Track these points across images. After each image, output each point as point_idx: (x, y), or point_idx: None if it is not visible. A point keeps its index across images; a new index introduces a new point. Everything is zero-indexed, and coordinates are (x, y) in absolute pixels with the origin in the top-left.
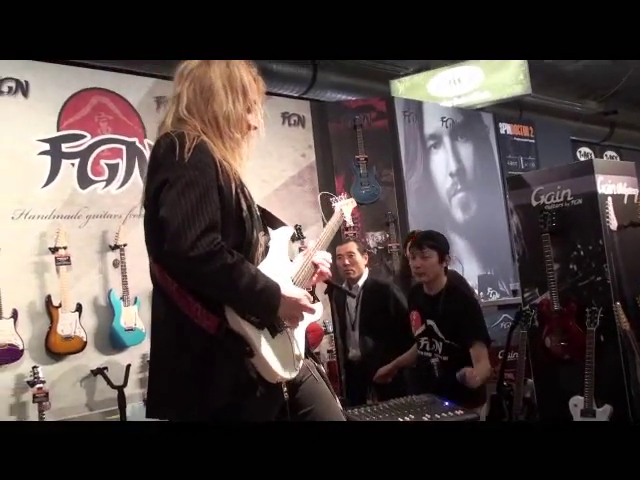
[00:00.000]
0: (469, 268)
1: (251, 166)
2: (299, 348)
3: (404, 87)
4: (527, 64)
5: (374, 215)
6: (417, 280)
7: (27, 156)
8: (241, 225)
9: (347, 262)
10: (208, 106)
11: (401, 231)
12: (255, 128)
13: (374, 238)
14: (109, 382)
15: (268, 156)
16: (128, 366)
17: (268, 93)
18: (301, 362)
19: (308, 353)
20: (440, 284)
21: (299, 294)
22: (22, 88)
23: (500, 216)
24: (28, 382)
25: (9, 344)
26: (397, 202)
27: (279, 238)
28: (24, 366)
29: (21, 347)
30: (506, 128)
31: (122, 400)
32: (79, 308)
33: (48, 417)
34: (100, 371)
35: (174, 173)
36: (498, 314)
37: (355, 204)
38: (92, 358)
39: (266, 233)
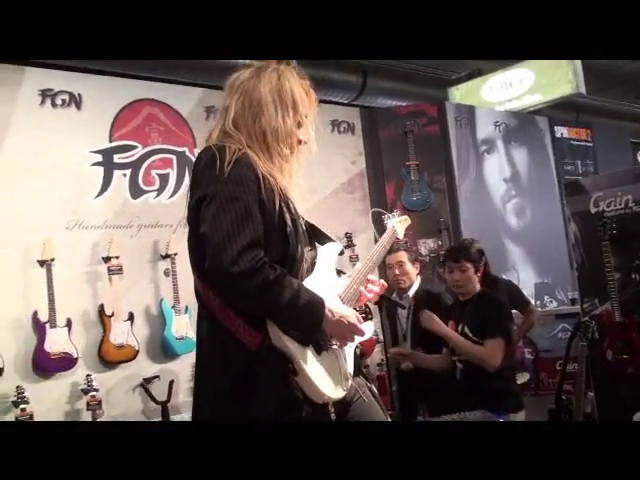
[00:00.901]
0: (525, 276)
1: (299, 174)
2: (348, 367)
3: (460, 94)
4: (578, 63)
5: (426, 222)
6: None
7: (80, 167)
8: (285, 240)
9: (397, 272)
10: (256, 121)
11: (454, 238)
12: (305, 143)
13: (426, 246)
14: (152, 397)
15: (317, 164)
16: (171, 382)
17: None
18: (350, 382)
19: (359, 371)
20: (474, 290)
21: (347, 312)
22: (75, 100)
23: (557, 222)
24: (82, 390)
25: (64, 353)
26: (449, 209)
27: (326, 254)
28: (78, 374)
29: (75, 356)
30: (562, 131)
31: (166, 416)
32: (131, 317)
33: None
34: (143, 386)
35: (213, 188)
36: (556, 323)
37: (409, 222)
38: (144, 366)
39: (313, 248)
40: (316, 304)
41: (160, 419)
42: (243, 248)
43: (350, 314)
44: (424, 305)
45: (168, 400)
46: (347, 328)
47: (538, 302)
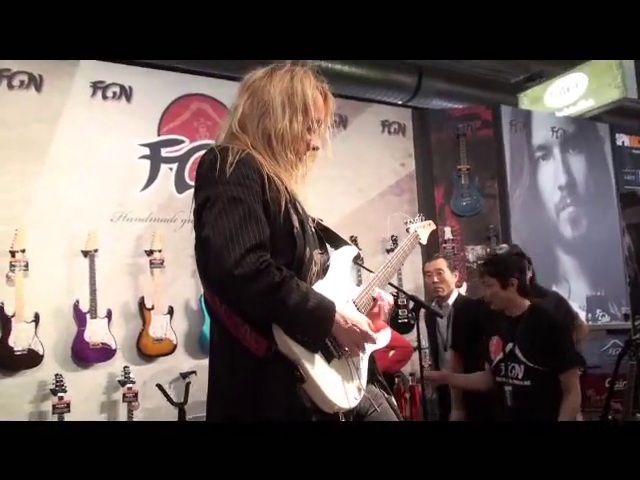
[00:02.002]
0: (577, 288)
1: (347, 174)
2: (361, 376)
3: (528, 100)
4: (628, 68)
5: (475, 228)
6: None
7: (128, 160)
8: (292, 242)
9: (436, 280)
10: (260, 122)
11: None
12: (316, 149)
13: (474, 252)
14: (169, 399)
15: (365, 164)
16: (188, 384)
17: (369, 100)
18: (362, 392)
19: (377, 382)
20: (521, 306)
21: (360, 319)
22: (126, 93)
23: (614, 233)
24: (119, 381)
25: (102, 343)
26: (500, 215)
27: (340, 258)
28: (116, 365)
29: (114, 347)
30: (624, 139)
31: (183, 418)
32: (171, 311)
33: (137, 417)
34: (160, 387)
35: (216, 190)
36: (607, 339)
37: (434, 227)
38: (181, 361)
39: (324, 252)
40: (326, 308)
41: (201, 415)
42: (247, 250)
43: (363, 321)
44: (464, 313)
45: (185, 402)
46: (359, 336)
47: (589, 315)
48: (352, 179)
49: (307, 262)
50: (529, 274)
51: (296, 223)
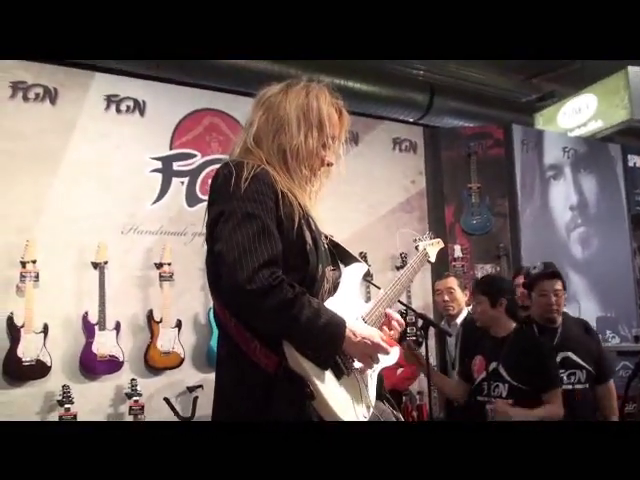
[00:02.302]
0: (587, 308)
1: (357, 190)
2: (370, 394)
3: (543, 119)
4: (635, 89)
5: (485, 247)
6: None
7: (140, 173)
8: (304, 258)
9: (446, 298)
10: (276, 137)
11: (513, 265)
12: (330, 165)
13: (483, 271)
14: (176, 412)
15: (376, 181)
16: (195, 398)
17: (381, 117)
18: (371, 410)
19: (385, 399)
20: (506, 327)
21: (371, 332)
22: (139, 107)
23: (625, 255)
24: (126, 394)
25: (110, 355)
26: (510, 234)
27: (351, 275)
28: (123, 378)
29: (121, 359)
30: (635, 160)
31: None
32: (179, 324)
33: None
34: (167, 400)
35: (230, 205)
36: (617, 360)
37: (442, 245)
38: (189, 375)
39: (336, 268)
40: (337, 324)
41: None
42: (260, 266)
43: (374, 334)
44: (472, 333)
45: (192, 416)
46: (371, 348)
47: (600, 336)
48: (362, 195)
49: (319, 279)
50: (565, 295)
51: (309, 240)
